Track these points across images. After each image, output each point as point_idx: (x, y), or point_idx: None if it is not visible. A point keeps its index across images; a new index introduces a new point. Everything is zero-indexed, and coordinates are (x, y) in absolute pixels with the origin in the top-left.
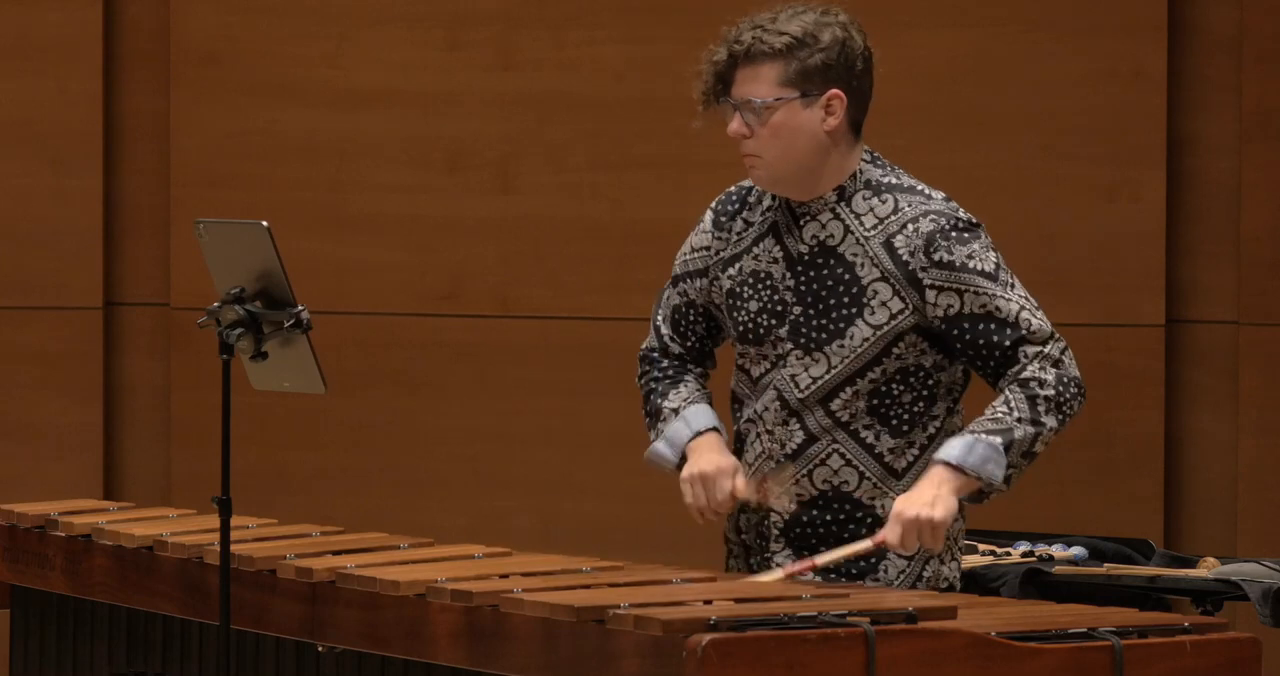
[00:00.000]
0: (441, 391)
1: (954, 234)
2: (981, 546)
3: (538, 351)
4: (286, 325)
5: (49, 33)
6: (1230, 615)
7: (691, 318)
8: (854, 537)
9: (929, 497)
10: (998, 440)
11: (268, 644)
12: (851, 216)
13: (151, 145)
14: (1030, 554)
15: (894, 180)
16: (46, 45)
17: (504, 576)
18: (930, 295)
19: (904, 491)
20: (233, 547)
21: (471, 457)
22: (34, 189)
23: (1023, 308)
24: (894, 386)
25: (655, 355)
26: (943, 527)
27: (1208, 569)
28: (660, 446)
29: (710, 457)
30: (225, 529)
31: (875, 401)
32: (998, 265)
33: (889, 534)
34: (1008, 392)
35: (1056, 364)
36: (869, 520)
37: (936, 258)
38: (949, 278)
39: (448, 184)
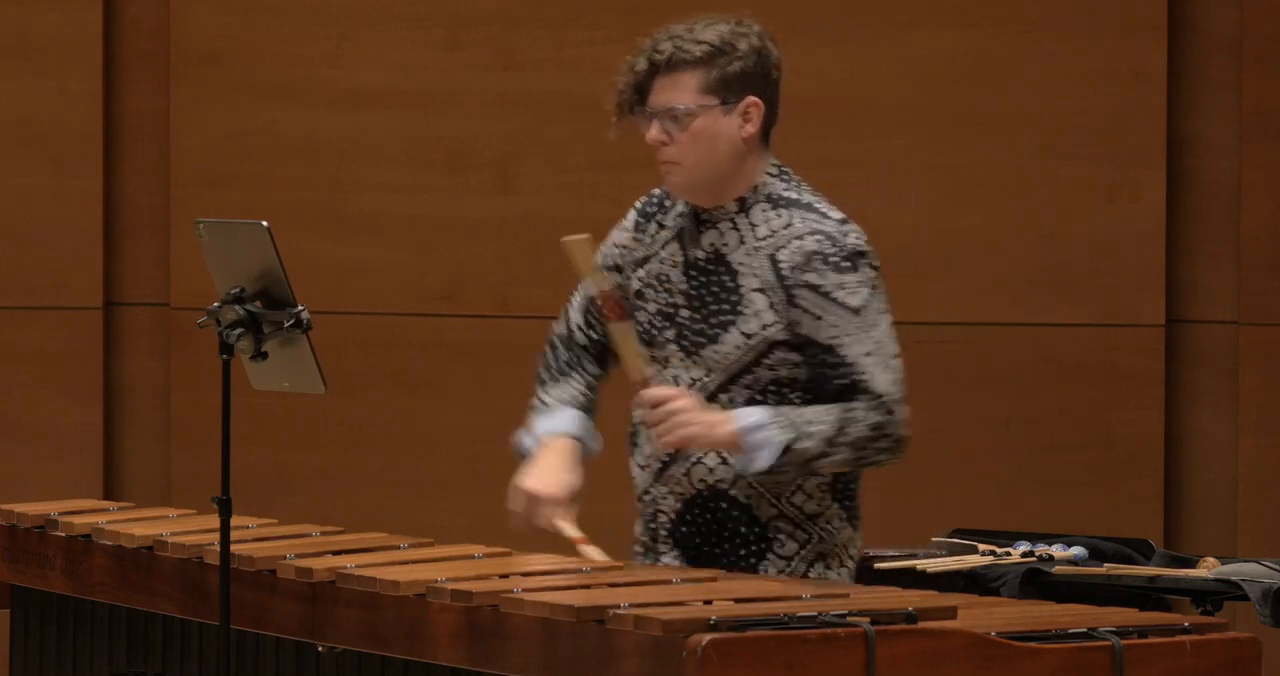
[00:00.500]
0: (441, 391)
1: (833, 260)
2: (981, 546)
3: (538, 351)
4: (286, 325)
5: (49, 33)
6: (1230, 615)
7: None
8: (734, 537)
9: (708, 419)
10: (785, 438)
11: (268, 644)
12: (748, 227)
13: (151, 145)
14: (1030, 554)
15: (795, 196)
16: (46, 45)
17: (504, 576)
18: (795, 313)
19: (782, 497)
20: (233, 547)
21: (471, 457)
22: (34, 189)
23: (869, 353)
24: (769, 397)
25: (557, 341)
26: (681, 441)
27: (1208, 569)
28: (525, 436)
29: (549, 476)
30: (225, 529)
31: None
32: (866, 302)
33: (659, 392)
34: (830, 408)
35: (888, 412)
36: (745, 518)
37: (808, 278)
38: (811, 301)
39: (448, 184)
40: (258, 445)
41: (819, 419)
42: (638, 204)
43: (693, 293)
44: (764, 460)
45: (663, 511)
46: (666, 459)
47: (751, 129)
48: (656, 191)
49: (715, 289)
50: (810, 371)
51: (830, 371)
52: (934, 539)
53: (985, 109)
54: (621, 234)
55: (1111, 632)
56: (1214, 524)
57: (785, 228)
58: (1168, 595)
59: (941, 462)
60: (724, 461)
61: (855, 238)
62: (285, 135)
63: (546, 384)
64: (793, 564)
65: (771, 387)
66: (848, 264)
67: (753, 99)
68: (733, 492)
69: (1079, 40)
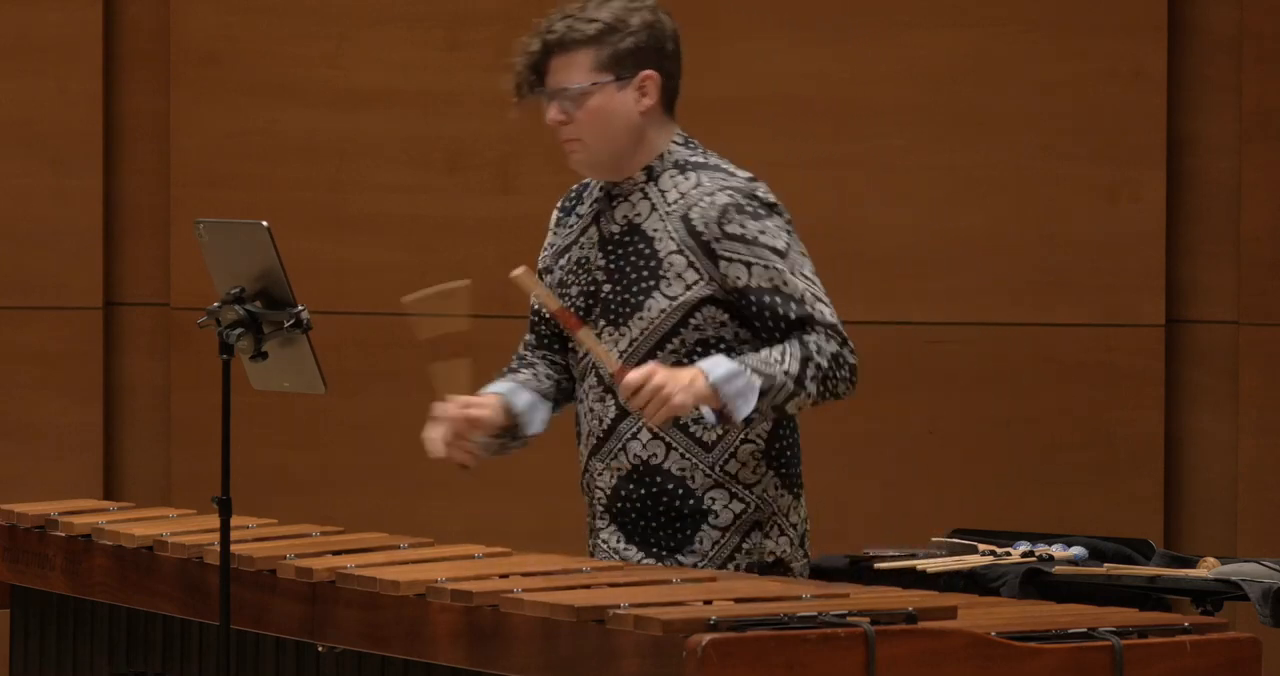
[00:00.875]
0: None
1: (749, 209)
2: (981, 546)
3: None
4: (286, 325)
5: (49, 33)
6: (1230, 615)
7: (541, 315)
8: (669, 511)
9: (685, 382)
10: (759, 382)
11: (268, 644)
12: (658, 194)
13: (151, 145)
14: (1030, 554)
15: (700, 159)
16: (46, 45)
17: (504, 576)
18: (722, 266)
19: (715, 465)
20: (233, 547)
21: None
22: (34, 189)
23: (809, 290)
24: (695, 359)
25: (521, 349)
26: (671, 412)
27: (1208, 569)
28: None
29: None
30: (225, 529)
31: None
32: (789, 246)
33: (635, 375)
34: (787, 343)
35: (841, 343)
36: (680, 491)
37: (729, 230)
38: (739, 250)
39: (448, 184)
40: (258, 445)
41: (783, 358)
42: (558, 203)
43: (612, 267)
44: (744, 409)
45: (599, 488)
46: (601, 435)
47: (649, 102)
48: (575, 186)
49: (634, 258)
50: (750, 319)
51: (780, 306)
52: (934, 539)
53: (985, 109)
54: (548, 235)
55: (1111, 632)
56: (1214, 524)
57: (695, 187)
58: (1168, 595)
59: (941, 462)
60: (655, 436)
61: (764, 191)
62: (285, 135)
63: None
64: (727, 534)
65: (698, 349)
66: (764, 212)
67: (648, 72)
68: (666, 466)
69: (1079, 40)
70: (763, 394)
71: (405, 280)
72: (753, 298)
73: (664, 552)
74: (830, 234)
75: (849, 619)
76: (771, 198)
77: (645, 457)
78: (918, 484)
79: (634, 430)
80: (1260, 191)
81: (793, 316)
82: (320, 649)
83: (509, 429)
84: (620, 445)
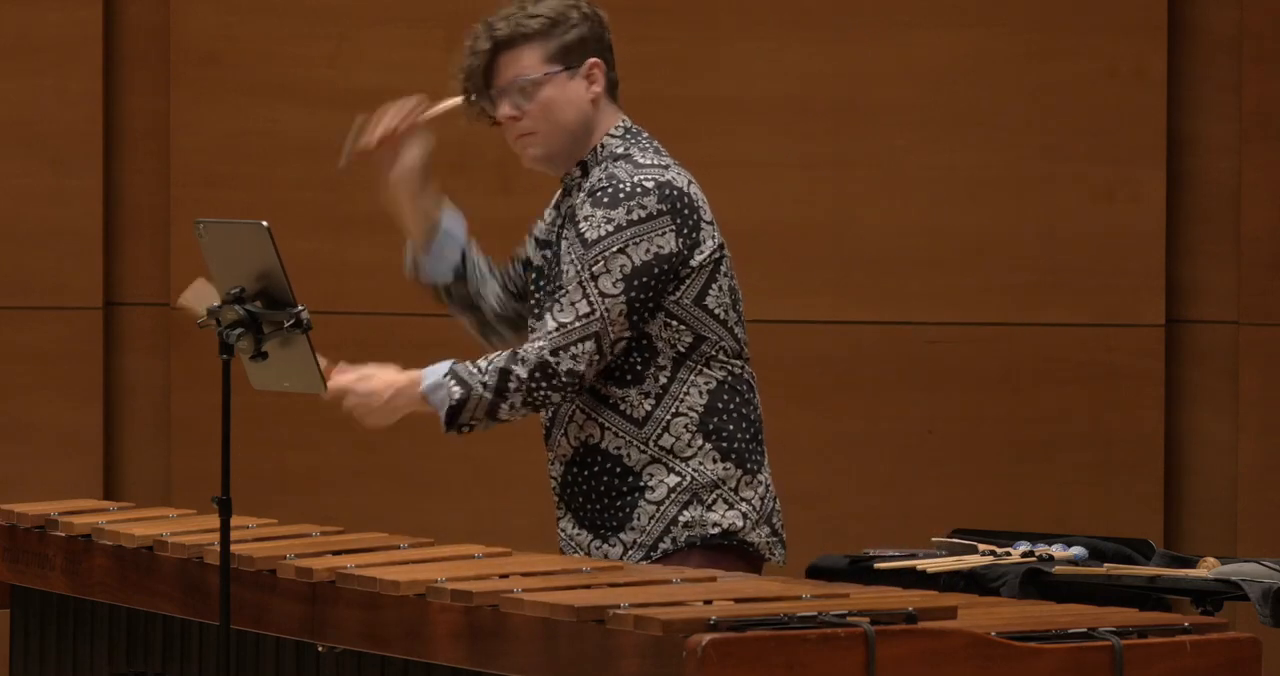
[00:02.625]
0: None
1: (598, 194)
2: (981, 546)
3: None
4: (286, 325)
5: (49, 33)
6: (1230, 615)
7: (518, 268)
8: (611, 491)
9: (387, 384)
10: (456, 394)
11: (268, 644)
12: (586, 186)
13: (151, 145)
14: (1030, 554)
15: (622, 151)
16: (46, 45)
17: (504, 576)
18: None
19: (650, 440)
20: (233, 547)
21: (471, 457)
22: (34, 189)
23: (579, 282)
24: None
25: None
26: (365, 415)
27: (1208, 569)
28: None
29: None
30: (225, 529)
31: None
32: (603, 238)
33: (346, 377)
34: (496, 356)
35: (555, 351)
36: (618, 469)
37: (577, 211)
38: (568, 232)
39: (448, 184)
40: (258, 445)
41: (488, 369)
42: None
43: (541, 267)
44: (443, 418)
45: (553, 478)
46: (548, 424)
47: (597, 89)
48: None
49: (560, 251)
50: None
51: (542, 294)
52: (934, 539)
53: (985, 109)
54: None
55: (1111, 632)
56: (1214, 524)
57: (599, 179)
58: (1168, 595)
59: (941, 463)
60: (590, 418)
61: (644, 178)
62: (285, 135)
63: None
64: (663, 507)
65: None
66: (608, 200)
67: (594, 60)
68: (603, 446)
69: (1079, 40)
70: (459, 406)
71: (405, 280)
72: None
73: (608, 532)
74: (830, 234)
75: (849, 619)
76: (648, 186)
77: (583, 439)
78: (918, 484)
79: (569, 414)
80: (1260, 191)
81: (535, 312)
82: (320, 649)
83: (429, 223)
84: (561, 431)
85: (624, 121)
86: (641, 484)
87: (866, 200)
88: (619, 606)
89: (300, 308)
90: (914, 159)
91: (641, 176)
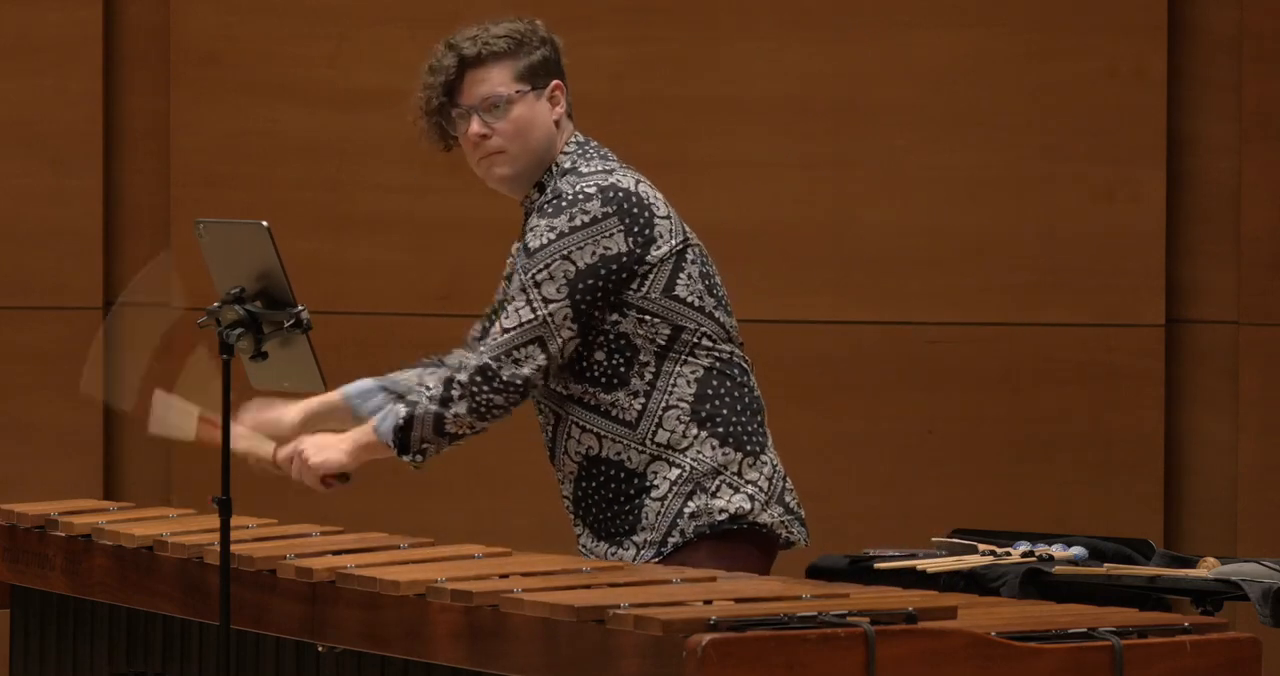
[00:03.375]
0: None
1: (546, 206)
2: (981, 546)
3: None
4: (286, 325)
5: (49, 33)
6: (1230, 615)
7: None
8: (619, 497)
9: (323, 444)
10: (402, 413)
11: (268, 644)
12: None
13: (151, 145)
14: (1030, 554)
15: (569, 165)
16: (46, 45)
17: (504, 576)
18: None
19: (646, 439)
20: (233, 547)
21: (471, 457)
22: (34, 189)
23: (522, 289)
24: (580, 350)
25: (471, 336)
26: (315, 471)
27: (1208, 569)
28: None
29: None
30: (225, 529)
31: (576, 367)
32: (546, 245)
33: (282, 452)
34: (441, 365)
35: (496, 357)
36: (622, 474)
37: (526, 224)
38: (516, 254)
39: (448, 184)
40: None
41: (432, 381)
42: None
43: (503, 288)
44: (393, 442)
45: (565, 497)
46: (549, 445)
47: (560, 110)
48: None
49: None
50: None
51: (493, 310)
52: (934, 539)
53: (985, 109)
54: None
55: (1111, 632)
56: (1214, 524)
57: (546, 196)
58: (1168, 595)
59: (941, 463)
60: (585, 429)
61: (586, 185)
62: (285, 135)
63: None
64: (667, 502)
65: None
66: (551, 210)
67: (557, 82)
68: (604, 454)
69: (1079, 40)
70: (405, 426)
71: (405, 280)
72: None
73: (620, 537)
74: (830, 234)
75: (849, 619)
76: (590, 191)
77: (584, 452)
78: (918, 484)
79: (566, 431)
80: (1260, 191)
81: (486, 325)
82: (320, 649)
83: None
84: (563, 448)
85: (575, 136)
86: (646, 484)
87: (866, 200)
88: (619, 606)
89: (300, 308)
90: (914, 159)
91: (584, 184)
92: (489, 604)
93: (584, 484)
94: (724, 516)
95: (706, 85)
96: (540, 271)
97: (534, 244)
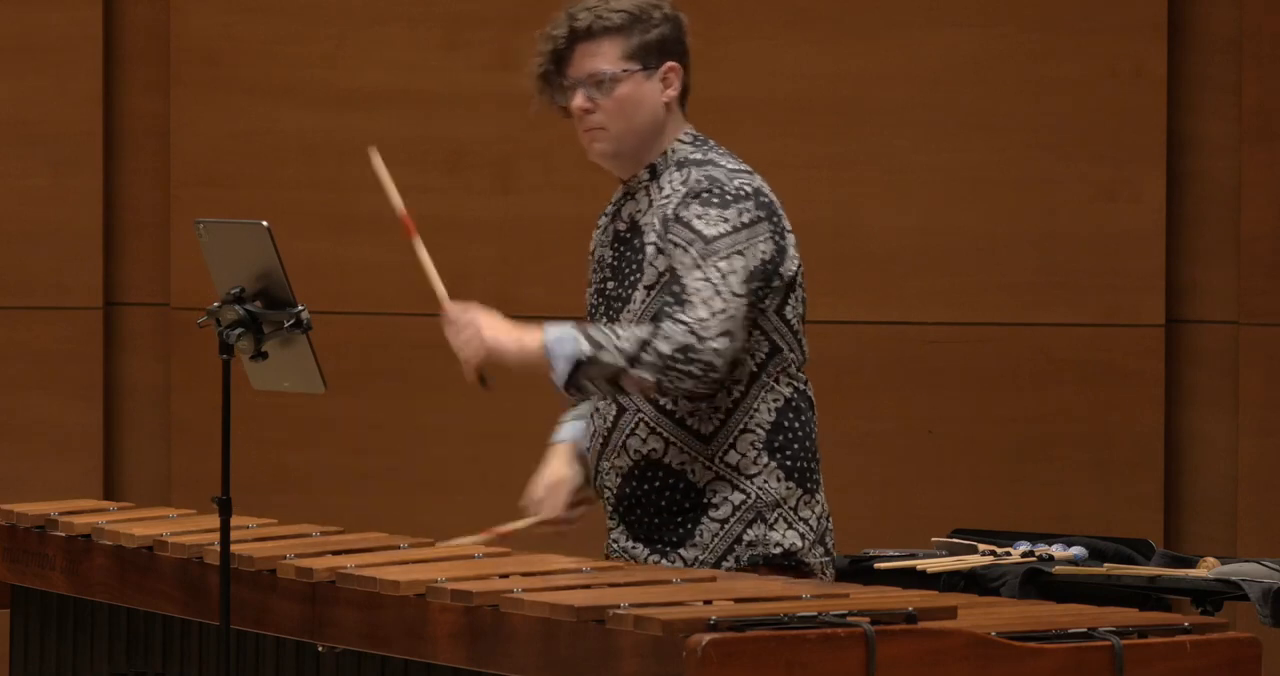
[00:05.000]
0: (441, 391)
1: (705, 195)
2: (981, 546)
3: None
4: (286, 325)
5: (49, 33)
6: (1230, 615)
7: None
8: (672, 506)
9: (506, 328)
10: (587, 349)
11: (268, 644)
12: (656, 191)
13: (151, 145)
14: (1030, 554)
15: (701, 156)
16: (46, 45)
17: (504, 576)
18: (668, 249)
19: (715, 457)
20: (233, 547)
21: (471, 458)
22: (34, 189)
23: (707, 279)
24: None
25: None
26: (482, 346)
27: (1208, 569)
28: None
29: (537, 479)
30: (225, 529)
31: None
32: (722, 235)
33: (455, 308)
34: (639, 327)
35: (699, 338)
36: (681, 485)
37: (678, 212)
38: (675, 230)
39: (448, 184)
40: (258, 445)
41: (625, 336)
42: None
43: (615, 264)
44: (561, 369)
45: (607, 487)
46: (606, 433)
47: (672, 93)
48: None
49: (629, 254)
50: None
51: (664, 294)
52: (934, 539)
53: (985, 109)
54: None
55: (1111, 632)
56: (1214, 524)
57: (683, 183)
58: (1168, 595)
59: (941, 462)
60: (653, 431)
61: (742, 183)
62: (285, 135)
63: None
64: (728, 525)
65: None
66: (718, 201)
67: (671, 64)
68: (666, 461)
69: (1079, 40)
70: (579, 363)
71: (405, 280)
72: (668, 278)
73: (667, 548)
74: (830, 234)
75: (849, 619)
76: (748, 190)
77: (645, 453)
78: (918, 484)
79: (631, 426)
80: (1260, 191)
81: (666, 308)
82: (320, 649)
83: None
84: (621, 442)
85: (691, 129)
86: (705, 501)
87: (866, 200)
88: (619, 606)
89: (300, 307)
90: (915, 159)
91: (739, 180)
92: (489, 604)
93: (635, 483)
94: (778, 550)
95: (706, 85)
96: (723, 261)
97: (710, 231)
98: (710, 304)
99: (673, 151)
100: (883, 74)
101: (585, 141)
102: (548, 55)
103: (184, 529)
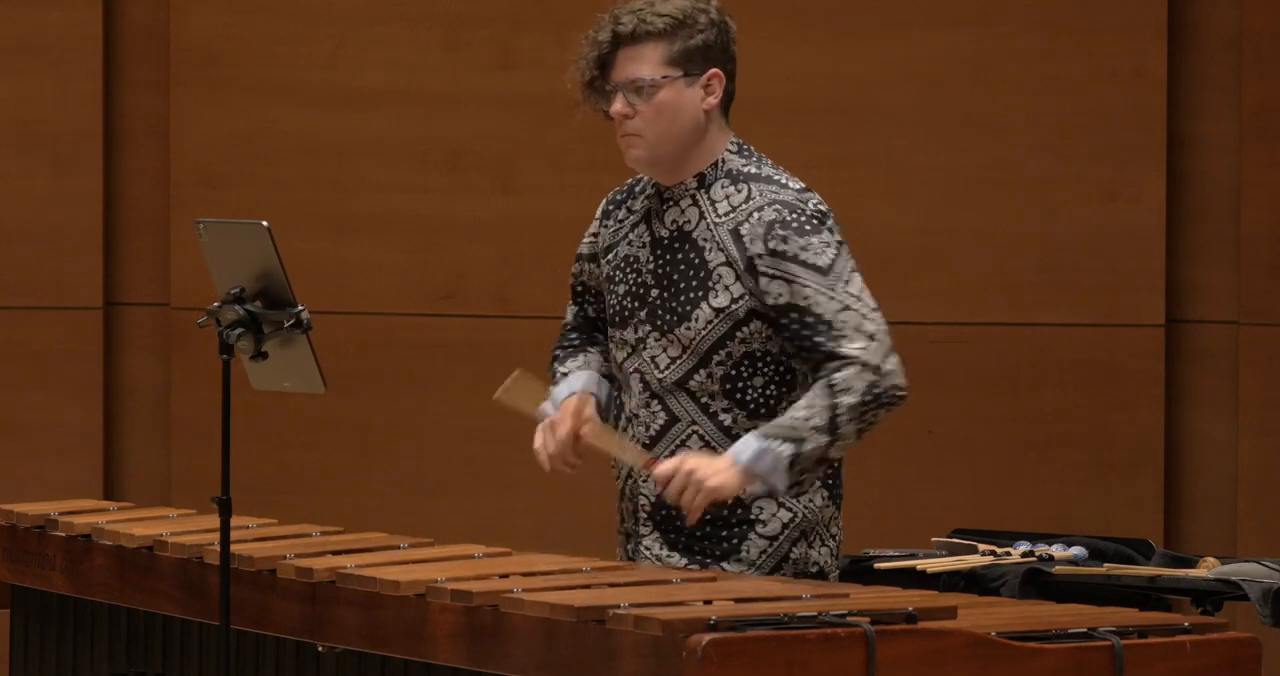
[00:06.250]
0: (441, 391)
1: (795, 224)
2: (981, 546)
3: (538, 351)
4: (286, 325)
5: (49, 33)
6: (1230, 615)
7: (587, 296)
8: (716, 519)
9: (721, 468)
10: (787, 452)
11: (268, 644)
12: (708, 203)
13: (151, 145)
14: (1030, 554)
15: (754, 170)
16: (46, 45)
17: (504, 576)
18: (764, 282)
19: None
20: (233, 547)
21: (471, 457)
22: (34, 189)
23: (846, 307)
24: (744, 370)
25: (567, 328)
26: (708, 497)
27: (1208, 569)
28: (547, 407)
29: (567, 409)
30: (225, 529)
31: (728, 385)
32: (834, 261)
33: (665, 467)
34: (813, 394)
35: (875, 370)
36: (728, 500)
37: (772, 246)
38: (780, 267)
39: (448, 184)
40: (258, 445)
41: (810, 413)
42: (609, 194)
43: (660, 271)
44: (781, 482)
45: (643, 494)
46: (648, 441)
47: (713, 101)
48: (630, 181)
49: (682, 266)
50: (787, 340)
51: (809, 332)
52: (934, 539)
53: (985, 109)
54: (593, 224)
55: (1111, 632)
56: (1214, 524)
57: (746, 201)
58: (1168, 595)
59: (941, 462)
60: (707, 444)
61: (815, 203)
62: (285, 135)
63: (564, 360)
64: (775, 543)
65: (745, 361)
66: (809, 227)
67: (715, 71)
68: None
69: (1079, 40)
70: (793, 462)
71: (405, 280)
72: (793, 316)
73: (709, 560)
74: None
75: (849, 619)
76: (823, 209)
77: None
78: (918, 484)
79: (683, 436)
80: (1260, 191)
81: (823, 342)
82: (320, 649)
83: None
84: (668, 451)
85: (735, 137)
86: (751, 516)
87: (866, 200)
88: (619, 606)
89: (300, 307)
90: (914, 159)
91: (812, 201)
92: (489, 604)
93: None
94: (815, 569)
95: None
96: (849, 284)
97: (823, 262)
98: (863, 328)
99: (723, 162)
100: (883, 74)
101: (623, 147)
102: (593, 60)
103: (184, 529)
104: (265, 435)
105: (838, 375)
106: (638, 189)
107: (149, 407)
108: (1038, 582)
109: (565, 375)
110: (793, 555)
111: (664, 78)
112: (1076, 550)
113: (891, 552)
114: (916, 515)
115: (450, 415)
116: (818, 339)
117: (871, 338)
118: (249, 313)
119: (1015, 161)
